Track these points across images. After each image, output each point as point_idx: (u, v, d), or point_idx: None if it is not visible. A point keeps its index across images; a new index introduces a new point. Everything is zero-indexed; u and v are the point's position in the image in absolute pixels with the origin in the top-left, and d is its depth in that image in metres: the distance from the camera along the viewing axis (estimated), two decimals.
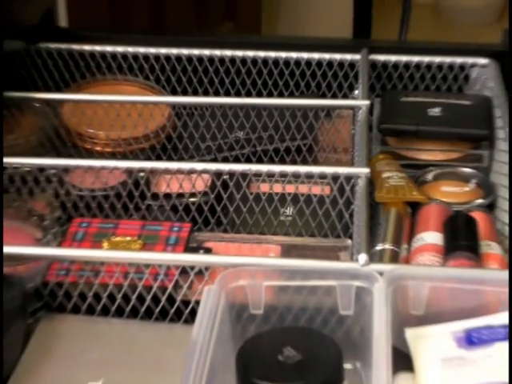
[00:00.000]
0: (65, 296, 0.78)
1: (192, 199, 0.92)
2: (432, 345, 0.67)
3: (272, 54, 1.08)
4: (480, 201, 0.91)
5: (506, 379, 0.62)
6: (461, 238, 0.80)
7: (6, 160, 0.88)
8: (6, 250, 0.78)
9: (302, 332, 0.68)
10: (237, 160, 1.01)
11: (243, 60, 1.08)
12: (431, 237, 0.83)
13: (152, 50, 1.09)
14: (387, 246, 0.82)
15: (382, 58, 1.07)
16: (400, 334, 0.68)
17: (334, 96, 1.09)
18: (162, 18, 1.92)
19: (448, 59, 1.07)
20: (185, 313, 0.78)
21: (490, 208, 0.91)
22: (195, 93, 1.10)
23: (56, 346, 0.74)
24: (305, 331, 0.69)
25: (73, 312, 0.78)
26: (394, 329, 0.65)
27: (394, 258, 0.82)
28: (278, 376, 0.63)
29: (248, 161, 1.01)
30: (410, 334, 0.68)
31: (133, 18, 1.84)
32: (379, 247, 0.82)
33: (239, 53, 1.08)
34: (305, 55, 1.07)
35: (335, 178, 0.87)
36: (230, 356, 0.67)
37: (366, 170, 0.85)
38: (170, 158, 1.02)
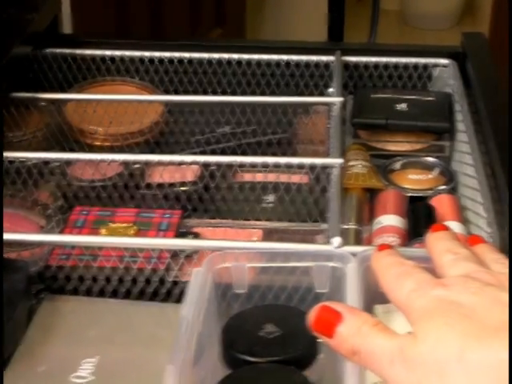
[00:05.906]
0: (65, 278, 0.76)
1: (182, 188, 0.90)
2: (399, 319, 0.65)
3: (255, 57, 1.05)
4: (443, 187, 0.89)
5: None
6: (422, 226, 0.79)
7: (13, 154, 0.86)
8: (13, 236, 0.77)
9: (282, 309, 0.66)
10: (223, 152, 0.99)
11: (229, 62, 1.06)
12: (388, 219, 0.82)
13: (147, 54, 1.06)
14: (351, 226, 0.82)
15: (353, 59, 1.05)
16: (370, 309, 0.65)
17: (311, 94, 1.06)
18: (161, 25, 1.91)
19: (413, 60, 1.05)
20: (175, 293, 0.76)
21: (452, 194, 0.89)
22: (186, 92, 1.07)
23: (57, 324, 0.71)
24: (284, 308, 0.67)
25: (73, 293, 0.76)
26: (365, 305, 0.63)
27: (358, 235, 0.81)
28: (259, 350, 0.62)
29: (233, 153, 0.99)
30: (379, 309, 0.66)
31: (133, 26, 1.82)
32: (344, 226, 0.80)
33: (225, 55, 1.06)
34: (284, 57, 1.05)
35: (312, 167, 0.85)
36: (216, 331, 0.65)
37: (340, 161, 0.83)
38: (162, 151, 1.00)
